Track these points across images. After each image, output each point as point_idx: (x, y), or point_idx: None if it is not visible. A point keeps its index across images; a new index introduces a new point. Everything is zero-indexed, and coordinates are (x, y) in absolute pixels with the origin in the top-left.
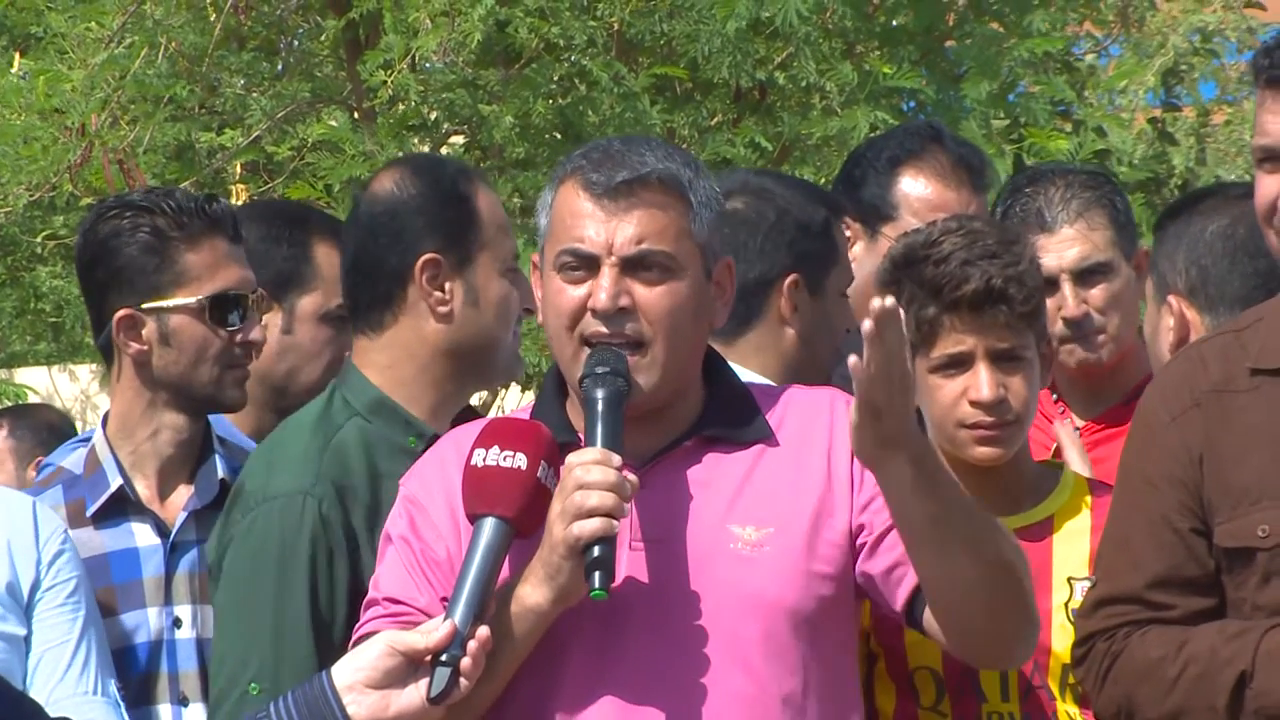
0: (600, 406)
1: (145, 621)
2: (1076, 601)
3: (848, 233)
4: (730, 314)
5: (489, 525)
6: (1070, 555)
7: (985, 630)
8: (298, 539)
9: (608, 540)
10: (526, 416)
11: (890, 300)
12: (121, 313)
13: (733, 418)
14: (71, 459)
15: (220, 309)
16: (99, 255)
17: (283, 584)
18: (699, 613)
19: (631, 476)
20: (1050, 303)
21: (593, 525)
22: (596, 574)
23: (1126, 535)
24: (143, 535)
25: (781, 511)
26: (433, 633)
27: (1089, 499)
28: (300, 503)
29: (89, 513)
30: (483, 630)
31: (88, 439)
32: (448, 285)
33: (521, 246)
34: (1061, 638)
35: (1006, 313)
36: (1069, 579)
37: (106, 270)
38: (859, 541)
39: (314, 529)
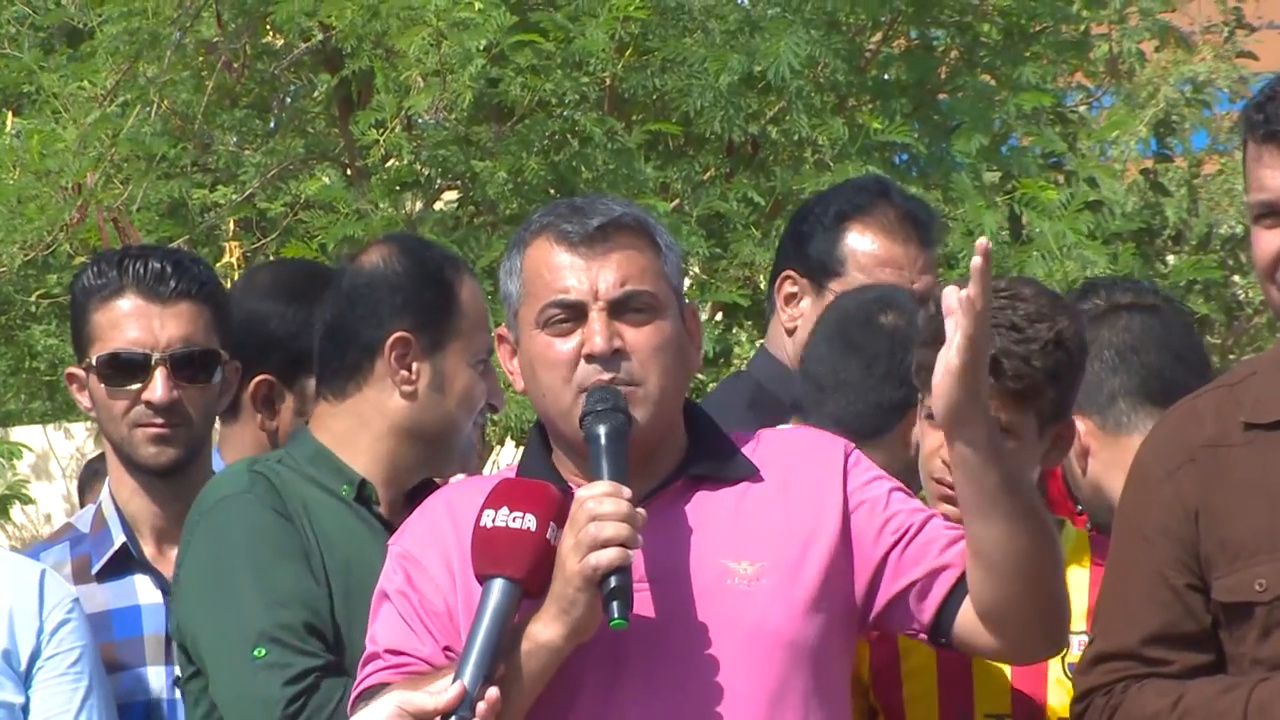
0: (604, 441)
1: (145, 680)
2: (1074, 657)
3: (795, 288)
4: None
5: (498, 586)
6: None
7: (1032, 609)
8: (260, 524)
9: (624, 570)
10: (514, 472)
11: (987, 241)
12: (67, 371)
13: (716, 457)
14: (79, 516)
15: (112, 368)
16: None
17: (257, 561)
18: (703, 649)
19: (640, 510)
20: None
21: (609, 555)
22: (615, 604)
23: (1123, 591)
24: (145, 591)
25: (774, 545)
26: (441, 694)
27: (1089, 555)
28: (245, 500)
29: (94, 569)
30: (492, 692)
31: None
32: (415, 366)
33: None
34: (1058, 693)
35: (995, 385)
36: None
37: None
38: (875, 563)
39: (268, 515)
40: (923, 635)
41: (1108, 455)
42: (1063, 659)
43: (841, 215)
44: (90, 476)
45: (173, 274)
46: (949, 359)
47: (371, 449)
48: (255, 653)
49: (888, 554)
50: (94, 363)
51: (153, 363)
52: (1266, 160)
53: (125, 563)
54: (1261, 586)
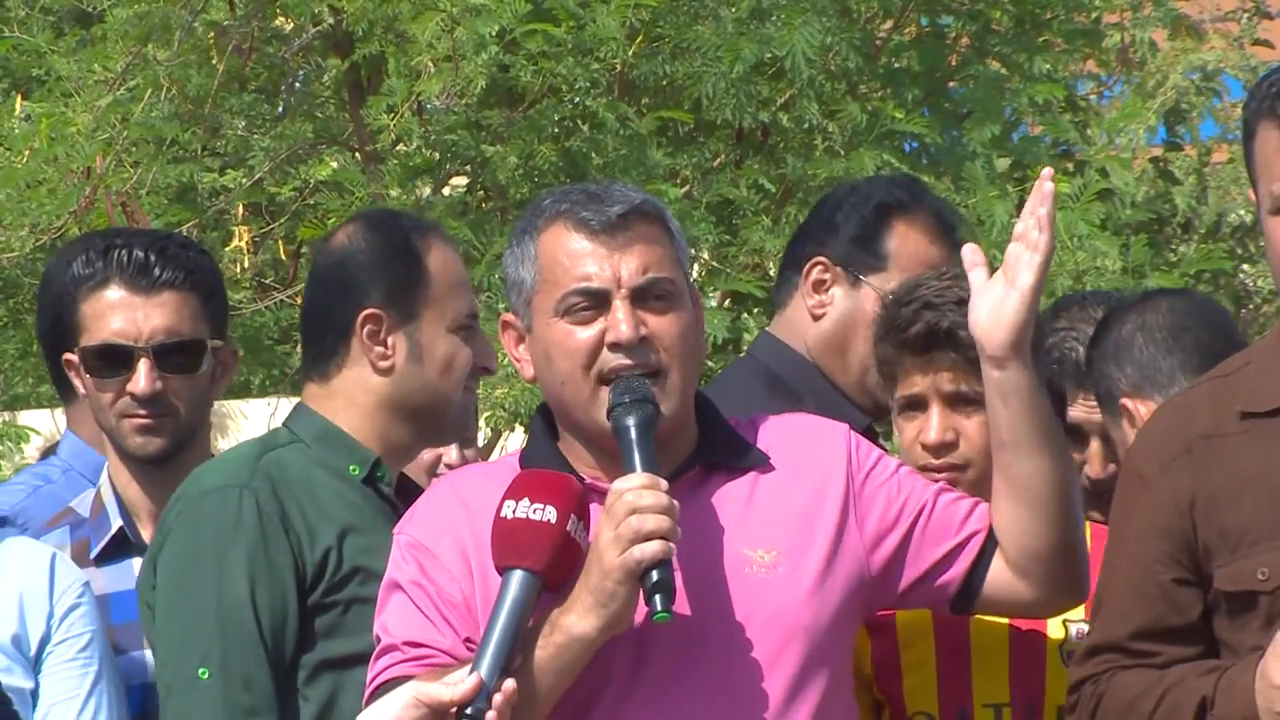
0: (634, 433)
1: (142, 663)
2: (1073, 644)
3: (826, 275)
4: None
5: (517, 578)
6: None
7: (1066, 548)
8: (236, 526)
9: (666, 562)
10: (516, 459)
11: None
12: (64, 356)
13: (728, 445)
14: (79, 500)
15: (96, 360)
16: None
17: (223, 570)
18: (725, 637)
19: (675, 502)
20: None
21: (653, 548)
22: (658, 597)
23: (1114, 585)
24: None
25: (788, 532)
26: (458, 685)
27: (1090, 545)
28: (236, 494)
29: (93, 554)
30: (508, 683)
31: (35, 470)
32: (390, 340)
33: None
34: (1057, 681)
35: (955, 356)
36: (1064, 622)
37: None
38: (895, 544)
39: (251, 517)
40: (946, 605)
41: None
42: (1061, 646)
43: (885, 210)
44: None
45: (157, 263)
46: (1021, 280)
47: (364, 428)
48: (200, 672)
49: (909, 533)
50: (80, 354)
51: (135, 354)
52: None
53: (123, 546)
54: (1264, 575)
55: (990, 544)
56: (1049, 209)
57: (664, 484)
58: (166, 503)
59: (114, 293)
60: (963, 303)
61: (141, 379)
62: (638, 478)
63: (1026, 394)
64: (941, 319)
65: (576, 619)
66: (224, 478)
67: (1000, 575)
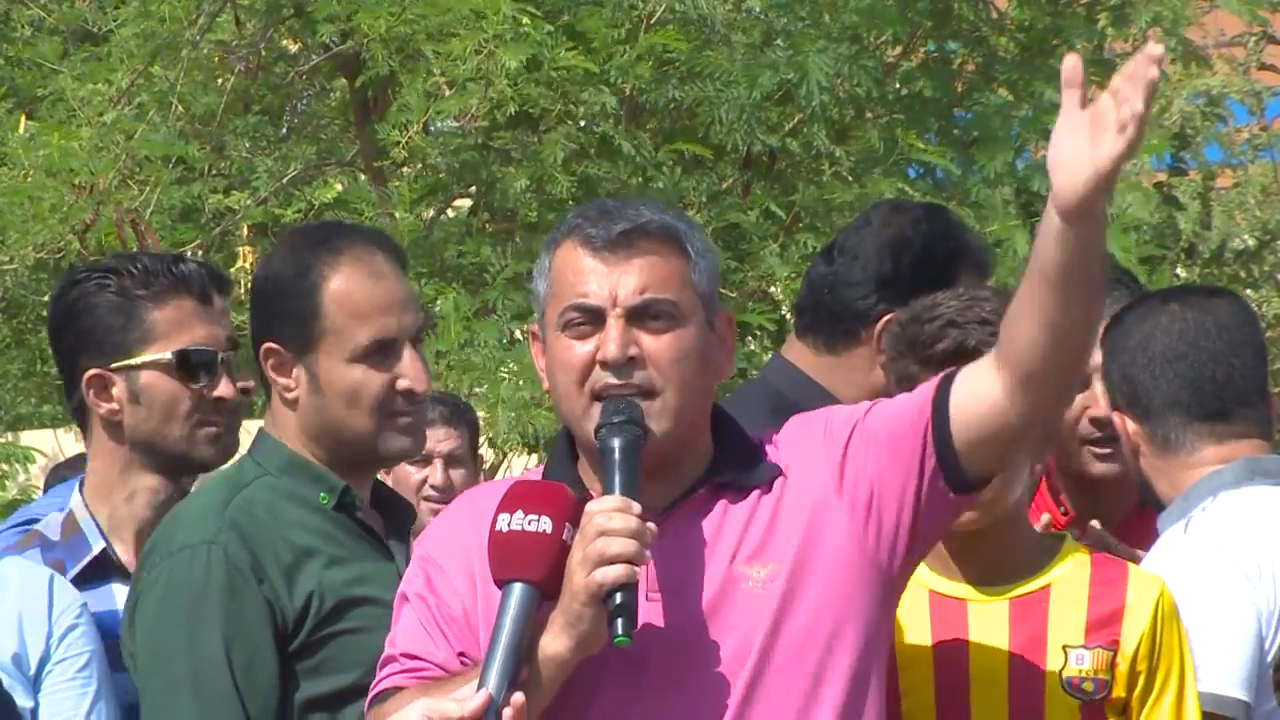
0: (617, 455)
1: (126, 684)
2: (1072, 669)
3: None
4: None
5: (517, 591)
6: (1066, 624)
7: (1072, 372)
8: (206, 585)
9: (630, 587)
10: (538, 476)
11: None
12: (91, 372)
13: (741, 464)
14: (45, 523)
15: (187, 364)
16: (68, 318)
17: (195, 632)
18: (719, 660)
19: (650, 524)
20: (1077, 400)
21: (615, 572)
22: (619, 621)
23: None
24: (124, 598)
25: (789, 546)
26: (467, 702)
27: (1089, 571)
28: (205, 552)
29: (69, 575)
30: (517, 697)
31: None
32: (294, 371)
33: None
34: (1055, 705)
35: None
36: (1064, 647)
37: (75, 333)
38: (893, 482)
39: (221, 574)
40: (942, 482)
41: (1157, 463)
42: (1060, 672)
43: (954, 265)
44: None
45: (210, 280)
46: (1107, 150)
47: (305, 453)
48: None
49: (890, 456)
50: (163, 360)
51: (219, 361)
52: None
53: (104, 568)
54: None
55: (945, 382)
56: (1153, 76)
57: (636, 507)
58: (160, 519)
59: (186, 303)
60: (985, 323)
61: (227, 385)
62: (611, 500)
63: (1080, 252)
64: (968, 337)
65: (551, 639)
66: (193, 533)
67: (968, 389)
